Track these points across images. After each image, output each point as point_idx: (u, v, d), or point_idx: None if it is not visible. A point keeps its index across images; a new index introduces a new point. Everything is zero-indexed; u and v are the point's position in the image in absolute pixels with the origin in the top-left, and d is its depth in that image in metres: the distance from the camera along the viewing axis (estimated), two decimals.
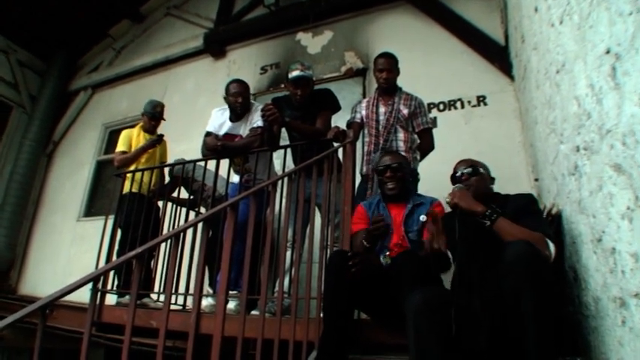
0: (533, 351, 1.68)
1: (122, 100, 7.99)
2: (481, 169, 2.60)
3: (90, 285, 2.09)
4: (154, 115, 4.80)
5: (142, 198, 4.29)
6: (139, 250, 2.23)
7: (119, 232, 4.22)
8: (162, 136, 4.65)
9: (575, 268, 2.22)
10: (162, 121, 4.93)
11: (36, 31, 8.30)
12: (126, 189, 4.42)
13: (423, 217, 2.83)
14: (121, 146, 4.66)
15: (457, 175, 2.62)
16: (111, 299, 4.11)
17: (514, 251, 1.84)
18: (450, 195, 2.38)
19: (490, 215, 2.17)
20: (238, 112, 3.96)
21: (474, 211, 2.25)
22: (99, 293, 3.63)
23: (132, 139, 4.71)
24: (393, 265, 2.46)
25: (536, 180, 3.72)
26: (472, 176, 2.56)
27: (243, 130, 3.95)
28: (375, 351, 2.56)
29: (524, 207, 2.32)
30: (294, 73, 3.65)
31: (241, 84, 4.00)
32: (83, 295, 2.27)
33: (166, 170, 4.65)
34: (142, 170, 4.38)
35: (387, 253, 2.70)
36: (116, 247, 4.14)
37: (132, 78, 8.07)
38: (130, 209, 4.20)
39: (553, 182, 2.79)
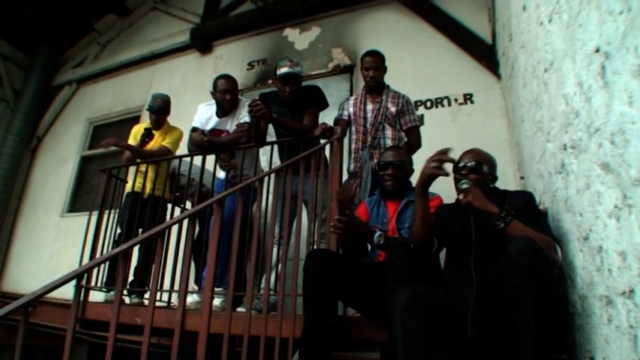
0: (529, 347, 1.69)
1: (107, 95, 7.90)
2: (485, 167, 2.52)
3: (73, 282, 2.06)
4: (151, 108, 4.58)
5: (138, 196, 4.24)
6: (124, 246, 2.21)
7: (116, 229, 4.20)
8: (149, 130, 4.50)
9: (560, 266, 2.22)
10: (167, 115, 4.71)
11: (20, 25, 8.16)
12: (128, 188, 4.36)
13: None
14: (130, 142, 4.55)
15: (459, 165, 2.54)
16: (95, 296, 4.07)
17: (517, 246, 1.84)
18: (464, 192, 2.30)
19: (505, 217, 2.13)
20: (226, 109, 3.93)
21: (489, 212, 2.19)
22: (83, 290, 3.59)
23: (136, 134, 4.60)
24: (385, 258, 2.45)
25: (522, 178, 3.74)
26: (473, 172, 2.49)
27: (230, 126, 3.93)
28: (361, 348, 2.55)
29: (526, 206, 2.29)
30: (283, 70, 3.62)
31: (229, 80, 3.96)
32: (67, 292, 2.24)
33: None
34: (126, 166, 4.31)
35: (381, 233, 2.66)
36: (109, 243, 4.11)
37: (117, 73, 7.99)
38: (129, 210, 4.23)
39: (539, 180, 2.80)
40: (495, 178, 2.63)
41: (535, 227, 2.10)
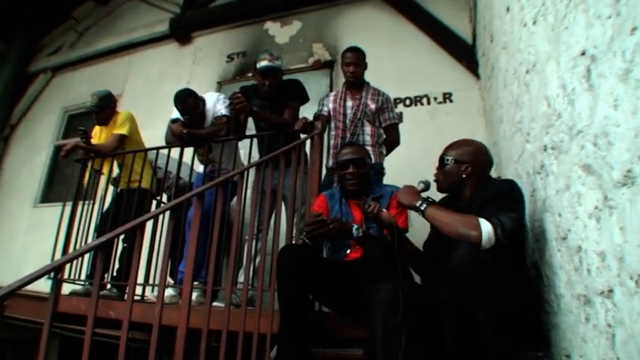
0: (488, 347, 1.73)
1: (83, 83, 7.73)
2: (448, 160, 2.39)
3: (47, 275, 2.01)
4: (90, 108, 4.50)
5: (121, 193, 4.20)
6: (103, 239, 2.17)
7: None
8: (83, 130, 4.22)
9: (537, 265, 2.25)
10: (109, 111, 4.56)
11: None
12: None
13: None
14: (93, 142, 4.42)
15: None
16: (66, 289, 3.99)
17: (457, 256, 1.85)
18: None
19: (420, 206, 2.18)
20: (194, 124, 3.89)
21: (410, 205, 2.25)
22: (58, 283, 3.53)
23: (97, 134, 4.55)
24: (363, 254, 2.42)
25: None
26: (439, 168, 2.46)
27: (206, 123, 3.90)
28: (339, 344, 2.55)
29: (495, 193, 2.17)
30: (263, 64, 3.61)
31: (186, 103, 3.85)
32: (38, 284, 2.19)
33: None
34: (101, 157, 4.22)
35: (359, 227, 2.60)
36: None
37: (94, 61, 7.87)
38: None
39: (517, 180, 2.81)
40: (483, 169, 2.43)
41: (487, 212, 2.03)
